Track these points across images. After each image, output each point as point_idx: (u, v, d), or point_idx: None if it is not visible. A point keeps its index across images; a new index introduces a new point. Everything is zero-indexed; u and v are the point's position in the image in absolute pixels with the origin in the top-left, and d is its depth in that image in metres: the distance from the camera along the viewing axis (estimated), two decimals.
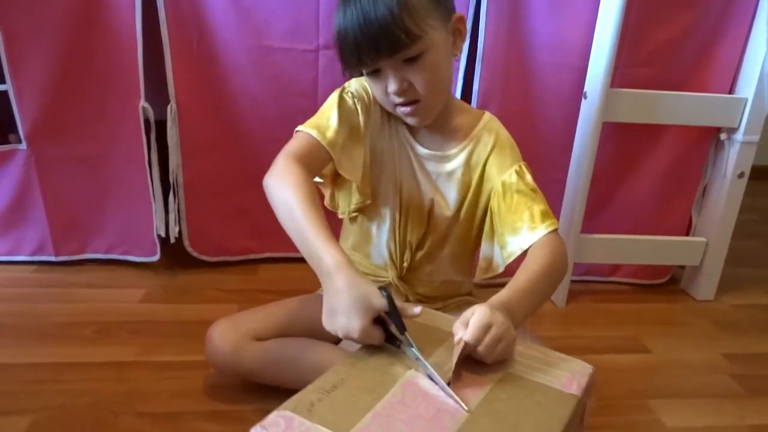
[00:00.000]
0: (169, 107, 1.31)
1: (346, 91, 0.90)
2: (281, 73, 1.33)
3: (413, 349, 0.65)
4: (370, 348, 0.68)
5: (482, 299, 1.10)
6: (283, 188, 0.78)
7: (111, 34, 1.23)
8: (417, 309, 0.69)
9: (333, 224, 1.06)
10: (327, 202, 1.01)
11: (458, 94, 1.34)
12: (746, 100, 1.34)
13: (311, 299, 1.05)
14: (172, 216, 1.39)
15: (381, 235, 0.97)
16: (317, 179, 0.96)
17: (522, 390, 0.63)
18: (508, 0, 1.26)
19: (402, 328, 0.66)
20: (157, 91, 1.30)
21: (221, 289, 1.39)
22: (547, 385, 0.64)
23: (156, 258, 1.42)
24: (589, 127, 1.30)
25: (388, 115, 0.92)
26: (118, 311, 1.27)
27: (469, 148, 0.92)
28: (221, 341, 0.94)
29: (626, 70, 1.32)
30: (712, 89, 1.37)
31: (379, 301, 0.66)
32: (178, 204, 1.40)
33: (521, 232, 0.85)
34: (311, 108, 1.34)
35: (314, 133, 0.84)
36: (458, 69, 1.31)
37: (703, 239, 1.48)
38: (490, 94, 1.32)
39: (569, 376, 0.66)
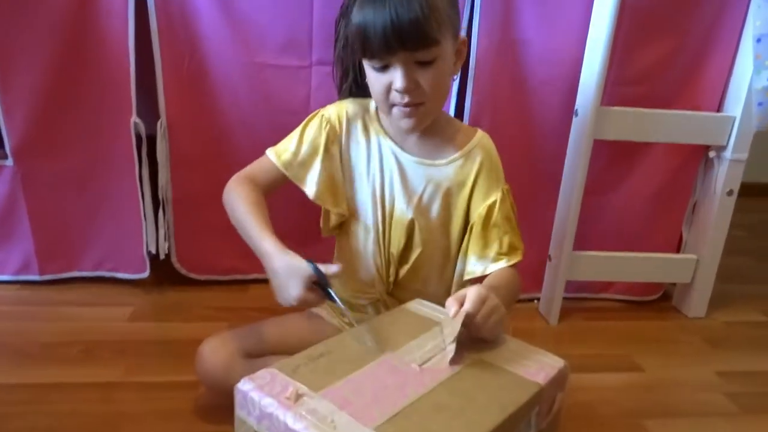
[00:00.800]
0: (159, 123, 1.30)
1: (318, 114, 0.96)
2: (273, 90, 1.32)
3: (338, 301, 0.80)
4: (361, 331, 0.76)
5: None
6: (233, 201, 0.91)
7: (103, 49, 1.22)
8: (334, 267, 0.80)
9: (326, 247, 1.07)
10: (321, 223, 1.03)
11: (451, 111, 1.34)
12: (734, 118, 1.35)
13: (302, 317, 1.06)
14: (162, 232, 1.37)
15: (366, 250, 0.98)
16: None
17: (488, 374, 0.69)
18: (499, 19, 1.27)
19: (327, 285, 0.80)
20: (147, 105, 1.29)
21: (211, 307, 1.37)
22: (513, 372, 0.69)
23: (145, 275, 1.39)
24: (580, 145, 1.31)
25: (368, 130, 0.95)
26: (104, 330, 1.24)
27: (459, 162, 0.94)
28: (212, 359, 0.93)
29: (616, 89, 1.33)
30: (701, 107, 1.38)
31: (306, 269, 0.78)
32: (167, 221, 1.38)
33: (486, 258, 0.93)
34: None
35: (272, 156, 0.95)
36: (451, 86, 1.32)
37: (693, 256, 1.48)
38: (481, 111, 1.33)
39: (538, 366, 0.71)
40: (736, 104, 1.35)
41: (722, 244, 1.46)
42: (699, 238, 1.48)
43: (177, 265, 1.43)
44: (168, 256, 1.40)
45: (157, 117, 1.30)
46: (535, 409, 0.67)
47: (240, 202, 0.90)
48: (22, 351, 1.15)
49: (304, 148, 0.94)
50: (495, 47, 1.29)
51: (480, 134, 0.96)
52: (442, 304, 1.00)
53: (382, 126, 0.95)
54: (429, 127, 0.92)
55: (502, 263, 0.92)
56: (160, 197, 1.35)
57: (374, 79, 0.85)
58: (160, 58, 1.25)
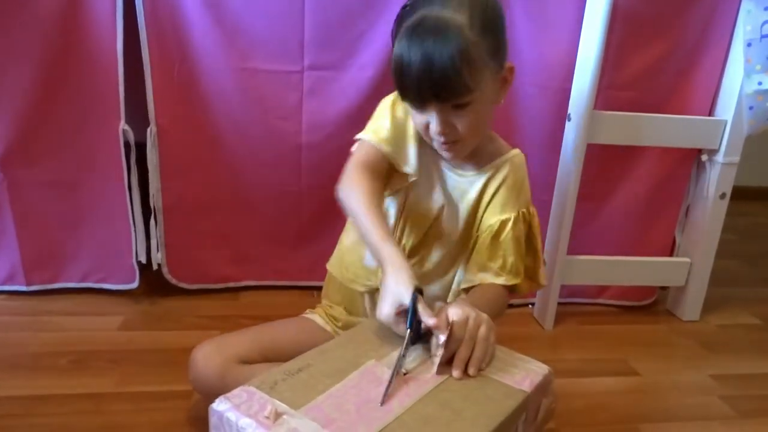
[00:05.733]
0: (149, 130, 1.28)
1: (399, 103, 0.94)
2: (265, 95, 1.31)
3: (403, 347, 0.70)
4: (340, 342, 0.75)
5: None
6: (351, 197, 0.85)
7: (91, 55, 1.21)
8: (432, 321, 0.71)
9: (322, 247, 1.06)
10: None
11: None
12: (726, 122, 1.36)
13: (297, 322, 1.05)
14: (154, 242, 1.35)
15: None
16: None
17: (474, 383, 0.68)
18: None
19: (409, 326, 0.71)
20: (137, 112, 1.27)
21: (203, 315, 1.35)
22: (499, 381, 0.68)
23: (135, 285, 1.37)
24: (573, 149, 1.31)
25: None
26: (94, 340, 1.22)
27: (487, 174, 0.94)
28: (206, 364, 0.91)
29: (609, 93, 1.33)
30: (692, 111, 1.39)
31: (404, 300, 0.72)
32: (158, 229, 1.36)
33: (487, 272, 0.92)
34: (295, 130, 1.35)
35: (372, 139, 0.91)
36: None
37: (687, 259, 1.49)
38: None
39: (524, 374, 0.70)
40: (727, 108, 1.35)
41: (715, 248, 1.46)
42: (692, 241, 1.49)
43: (168, 276, 1.40)
44: (158, 265, 1.38)
45: (147, 123, 1.28)
46: (522, 417, 0.67)
47: (356, 201, 0.84)
48: (9, 362, 1.13)
49: (397, 129, 0.92)
50: None
51: (514, 152, 0.97)
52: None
53: None
54: None
55: (501, 280, 0.91)
56: (151, 205, 1.33)
57: (415, 115, 0.87)
58: (150, 63, 1.23)
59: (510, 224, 0.92)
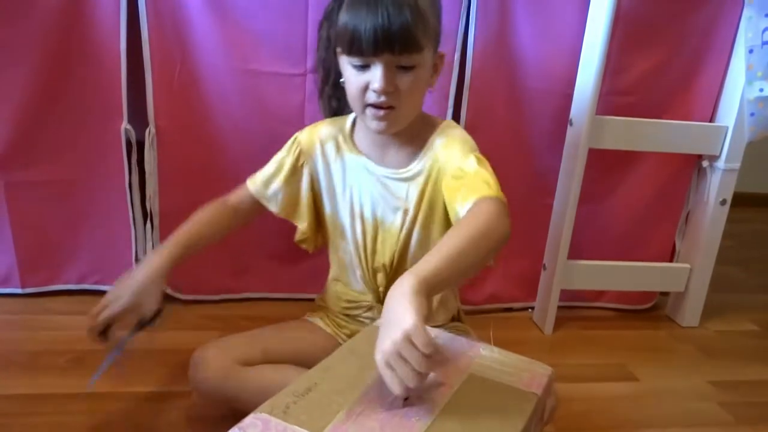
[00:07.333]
0: (147, 131, 1.27)
1: (294, 136, 1.02)
2: (266, 98, 1.30)
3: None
4: (342, 356, 0.72)
5: (470, 325, 1.10)
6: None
7: (94, 54, 1.20)
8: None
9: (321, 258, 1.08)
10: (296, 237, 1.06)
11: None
12: (727, 128, 1.36)
13: (299, 324, 1.06)
14: (149, 246, 1.34)
15: (352, 263, 1.01)
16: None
17: (486, 390, 0.68)
18: (494, 30, 1.27)
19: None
20: (136, 110, 1.27)
21: (202, 315, 1.35)
22: (509, 385, 0.69)
23: None
24: (574, 154, 1.31)
25: (340, 150, 0.98)
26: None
27: (427, 155, 0.93)
28: (207, 366, 0.91)
29: (610, 98, 1.33)
30: (694, 117, 1.39)
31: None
32: (154, 234, 1.34)
33: (471, 199, 0.81)
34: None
35: (249, 182, 1.01)
36: (448, 96, 1.31)
37: (687, 265, 1.49)
38: (477, 120, 1.32)
39: (530, 376, 0.71)
40: (728, 114, 1.35)
41: (715, 254, 1.46)
42: (692, 247, 1.49)
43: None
44: None
45: (146, 122, 1.27)
46: (534, 419, 0.67)
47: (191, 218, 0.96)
48: (7, 360, 1.12)
49: (271, 167, 1.00)
50: (490, 58, 1.29)
51: (444, 124, 0.96)
52: (438, 308, 1.02)
53: (355, 145, 0.97)
54: (406, 135, 0.93)
55: (489, 193, 0.80)
56: (148, 209, 1.32)
57: (353, 77, 0.86)
58: (150, 63, 1.22)
59: (472, 162, 0.86)
